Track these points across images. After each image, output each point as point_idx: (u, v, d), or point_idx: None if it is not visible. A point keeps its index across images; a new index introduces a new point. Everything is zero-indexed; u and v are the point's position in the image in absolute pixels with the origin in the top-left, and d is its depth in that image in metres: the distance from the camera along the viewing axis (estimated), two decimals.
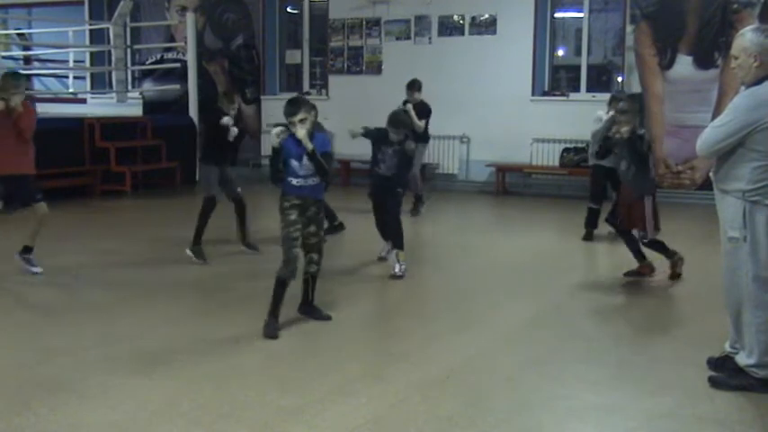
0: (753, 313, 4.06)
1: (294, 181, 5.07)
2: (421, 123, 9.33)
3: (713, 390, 4.20)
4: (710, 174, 4.29)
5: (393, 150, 7.02)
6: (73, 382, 4.18)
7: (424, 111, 9.52)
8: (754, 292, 4.03)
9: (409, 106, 9.30)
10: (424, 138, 9.57)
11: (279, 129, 5.04)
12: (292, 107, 4.96)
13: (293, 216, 5.05)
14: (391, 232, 7.02)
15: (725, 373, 4.25)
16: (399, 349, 4.83)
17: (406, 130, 7.01)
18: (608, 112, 8.37)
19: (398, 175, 7.09)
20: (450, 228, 8.29)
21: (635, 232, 6.43)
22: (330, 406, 3.91)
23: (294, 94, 12.62)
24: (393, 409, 3.90)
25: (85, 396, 4.00)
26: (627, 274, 6.59)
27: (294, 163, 5.03)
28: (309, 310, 5.36)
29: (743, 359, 4.16)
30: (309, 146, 4.94)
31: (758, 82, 3.99)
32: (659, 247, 6.50)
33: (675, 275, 6.54)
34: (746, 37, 3.99)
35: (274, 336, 4.90)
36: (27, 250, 6.57)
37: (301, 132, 4.92)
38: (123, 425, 3.69)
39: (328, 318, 5.33)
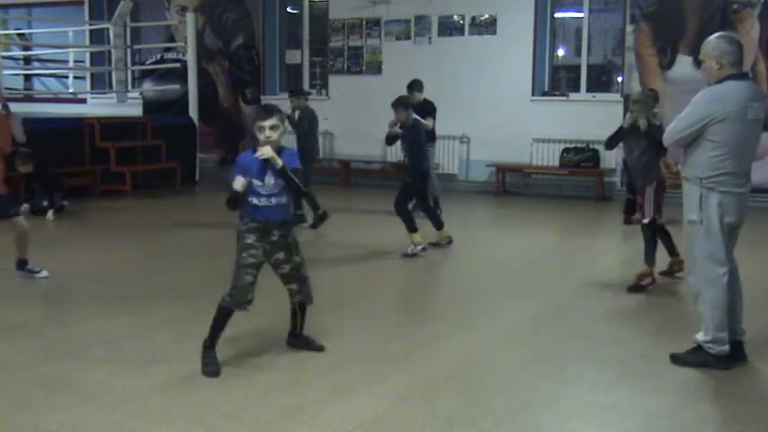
0: (707, 291, 4.46)
1: (255, 200, 4.39)
2: (429, 122, 9.20)
3: (714, 390, 4.21)
4: (678, 167, 4.73)
5: (402, 137, 7.74)
6: (73, 382, 4.19)
7: (427, 109, 9.37)
8: (708, 270, 4.45)
9: None
10: (431, 138, 9.33)
11: (243, 181, 4.34)
12: (266, 112, 4.43)
13: (250, 240, 4.40)
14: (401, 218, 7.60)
15: (686, 352, 4.56)
16: (399, 349, 4.83)
17: (402, 108, 7.59)
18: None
19: (412, 163, 7.71)
20: (450, 228, 8.28)
21: (637, 216, 6.71)
22: (330, 406, 3.92)
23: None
24: (393, 409, 3.90)
25: (85, 396, 4.00)
26: (662, 273, 6.65)
27: (256, 182, 4.37)
28: (297, 341, 4.80)
29: (701, 336, 4.51)
30: (279, 162, 4.30)
31: (720, 82, 4.41)
32: (667, 239, 6.58)
33: (670, 272, 6.64)
34: (710, 43, 4.47)
35: (215, 374, 4.30)
36: (21, 264, 6.48)
37: (266, 150, 4.29)
38: (123, 425, 3.69)
39: (320, 349, 4.75)
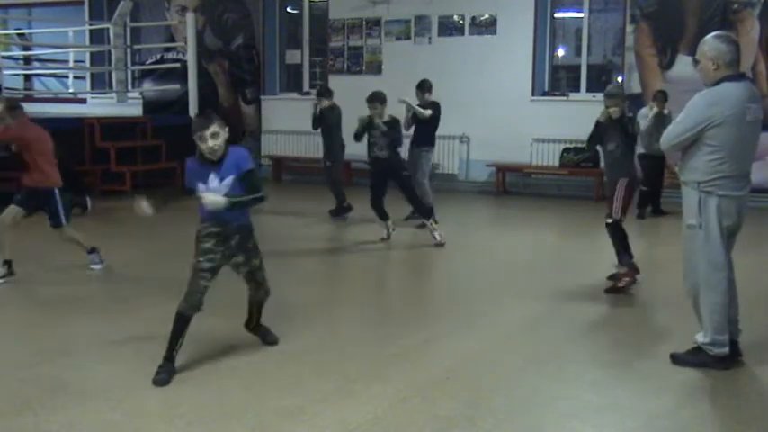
0: (707, 295, 4.45)
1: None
2: (426, 112, 9.07)
3: (713, 390, 4.22)
4: (676, 168, 4.68)
5: (380, 131, 7.96)
6: (73, 382, 4.19)
7: (434, 110, 9.21)
8: (708, 275, 4.43)
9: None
10: (429, 141, 9.29)
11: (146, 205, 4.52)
12: (204, 119, 4.22)
13: (208, 244, 4.35)
14: (416, 208, 8.22)
15: (686, 352, 4.58)
16: (399, 349, 4.83)
17: (378, 102, 7.95)
18: (651, 108, 9.48)
19: (394, 155, 8.02)
20: (450, 228, 8.30)
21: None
22: (330, 406, 3.92)
23: (293, 94, 12.59)
24: (393, 409, 3.90)
25: (85, 396, 4.01)
26: (609, 281, 6.45)
27: (202, 187, 4.28)
28: (253, 330, 4.86)
29: (700, 338, 4.53)
30: (222, 203, 4.21)
31: (717, 83, 4.35)
32: (623, 244, 6.33)
33: (615, 288, 6.26)
34: (707, 43, 4.40)
35: (164, 382, 4.16)
36: (92, 251, 6.84)
37: (210, 200, 4.21)
38: (123, 425, 3.69)
39: (274, 342, 4.80)
